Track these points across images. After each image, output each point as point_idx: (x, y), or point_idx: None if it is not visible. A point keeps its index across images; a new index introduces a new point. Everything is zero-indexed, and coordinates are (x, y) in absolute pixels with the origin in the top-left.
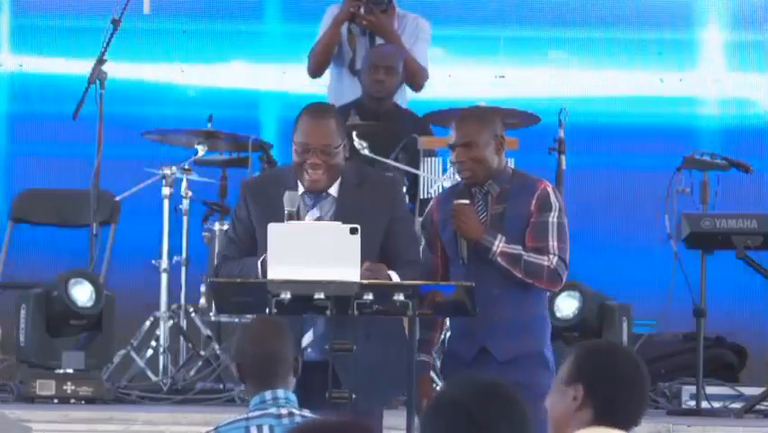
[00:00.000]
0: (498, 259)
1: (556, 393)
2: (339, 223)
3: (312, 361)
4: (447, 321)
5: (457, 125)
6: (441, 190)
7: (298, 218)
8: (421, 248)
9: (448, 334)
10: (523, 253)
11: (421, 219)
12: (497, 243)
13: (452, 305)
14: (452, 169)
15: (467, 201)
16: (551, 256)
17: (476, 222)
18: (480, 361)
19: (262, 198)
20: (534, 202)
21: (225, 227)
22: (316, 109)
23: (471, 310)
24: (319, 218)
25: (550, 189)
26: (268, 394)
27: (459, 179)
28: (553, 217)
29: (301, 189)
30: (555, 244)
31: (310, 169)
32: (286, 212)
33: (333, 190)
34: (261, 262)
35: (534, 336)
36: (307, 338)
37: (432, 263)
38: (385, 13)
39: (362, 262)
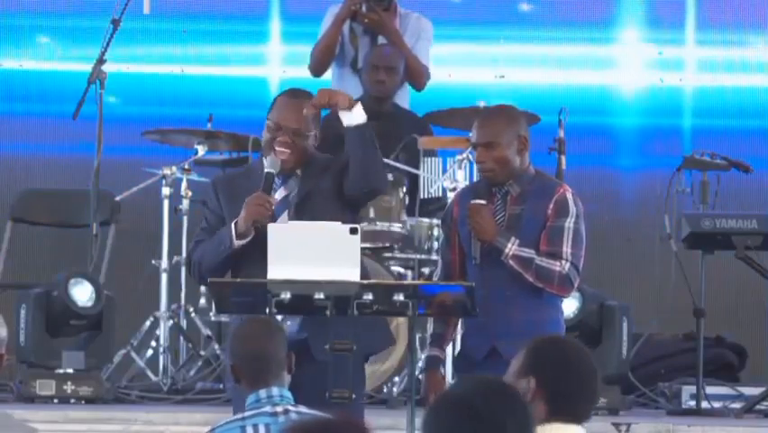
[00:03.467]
0: (510, 262)
1: None
2: (338, 223)
3: (292, 340)
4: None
5: (479, 124)
6: (441, 190)
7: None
8: (439, 244)
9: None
10: (535, 257)
11: (441, 215)
12: (509, 245)
13: (453, 305)
14: (452, 169)
15: (483, 201)
16: (563, 262)
17: (490, 223)
18: (490, 361)
19: (232, 191)
20: (551, 206)
21: None
22: (295, 92)
23: (472, 310)
24: (285, 197)
25: (569, 194)
26: (262, 393)
27: (460, 180)
28: (569, 223)
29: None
30: (569, 249)
31: (278, 147)
32: (265, 172)
33: (300, 171)
34: (235, 224)
35: None
36: None
37: (449, 260)
38: (387, 12)
39: None
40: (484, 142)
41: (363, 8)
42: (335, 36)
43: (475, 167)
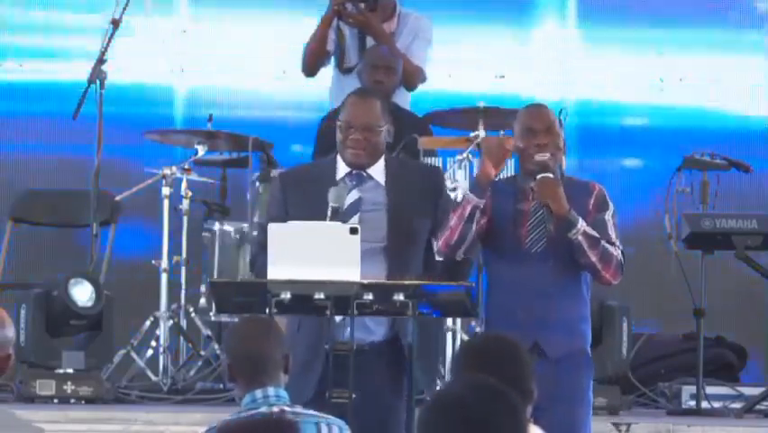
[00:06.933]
0: (579, 238)
1: None
2: (339, 223)
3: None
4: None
5: (537, 113)
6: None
7: (343, 212)
8: None
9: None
10: (601, 238)
11: None
12: (581, 221)
13: (452, 305)
14: (452, 169)
15: (551, 175)
16: (617, 249)
17: (563, 196)
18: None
19: (300, 188)
20: (592, 201)
21: (225, 227)
22: (363, 91)
23: (472, 310)
24: (359, 199)
25: (605, 190)
26: (258, 393)
27: (460, 180)
28: (608, 216)
29: (342, 171)
30: (616, 240)
31: (350, 146)
32: (330, 207)
33: (378, 175)
34: None
35: (581, 335)
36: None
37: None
38: (373, 12)
39: (414, 249)
40: (547, 127)
41: (348, 8)
42: (323, 37)
43: (517, 159)
